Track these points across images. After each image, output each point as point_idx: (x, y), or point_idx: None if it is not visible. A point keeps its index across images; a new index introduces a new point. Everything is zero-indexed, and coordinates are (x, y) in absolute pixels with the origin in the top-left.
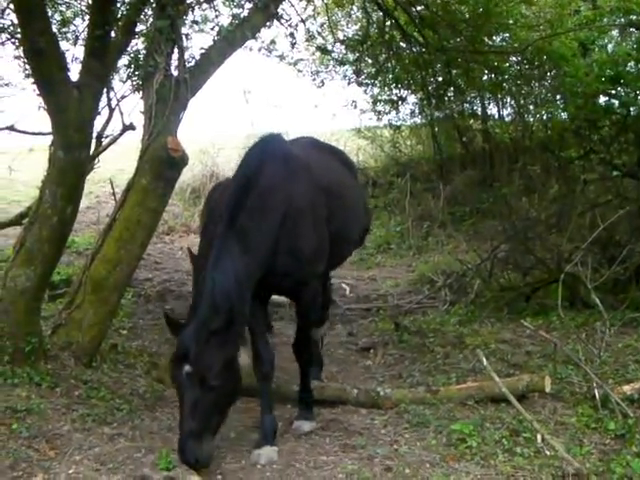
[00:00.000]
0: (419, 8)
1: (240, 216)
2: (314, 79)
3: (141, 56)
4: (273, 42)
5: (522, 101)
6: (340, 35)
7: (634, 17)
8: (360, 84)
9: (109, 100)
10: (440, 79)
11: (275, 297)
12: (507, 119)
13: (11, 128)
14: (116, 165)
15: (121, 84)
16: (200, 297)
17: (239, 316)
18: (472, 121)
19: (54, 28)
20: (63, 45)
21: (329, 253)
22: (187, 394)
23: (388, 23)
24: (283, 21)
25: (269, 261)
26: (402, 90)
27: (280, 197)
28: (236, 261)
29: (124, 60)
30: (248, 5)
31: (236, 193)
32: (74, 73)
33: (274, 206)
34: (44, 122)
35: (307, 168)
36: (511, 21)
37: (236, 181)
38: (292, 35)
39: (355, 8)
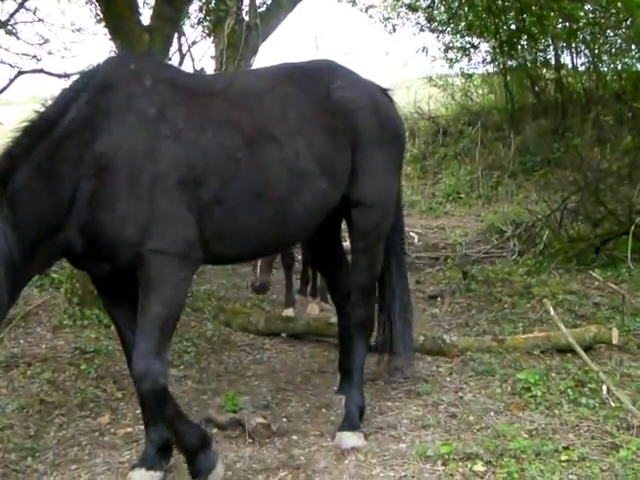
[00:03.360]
0: None
1: (20, 173)
2: (385, 25)
3: (212, 1)
4: None
5: (596, 50)
6: None
7: None
8: (432, 31)
9: (180, 45)
10: (513, 26)
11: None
12: (581, 68)
13: None
14: None
15: (192, 29)
16: None
17: None
18: (545, 70)
19: None
20: None
21: (228, 231)
22: None
23: None
24: None
25: (57, 243)
26: (474, 37)
27: (79, 142)
28: None
29: (195, 5)
30: None
31: (19, 138)
32: (145, 17)
33: (67, 156)
34: None
35: (153, 103)
36: None
37: (29, 121)
38: None
39: None
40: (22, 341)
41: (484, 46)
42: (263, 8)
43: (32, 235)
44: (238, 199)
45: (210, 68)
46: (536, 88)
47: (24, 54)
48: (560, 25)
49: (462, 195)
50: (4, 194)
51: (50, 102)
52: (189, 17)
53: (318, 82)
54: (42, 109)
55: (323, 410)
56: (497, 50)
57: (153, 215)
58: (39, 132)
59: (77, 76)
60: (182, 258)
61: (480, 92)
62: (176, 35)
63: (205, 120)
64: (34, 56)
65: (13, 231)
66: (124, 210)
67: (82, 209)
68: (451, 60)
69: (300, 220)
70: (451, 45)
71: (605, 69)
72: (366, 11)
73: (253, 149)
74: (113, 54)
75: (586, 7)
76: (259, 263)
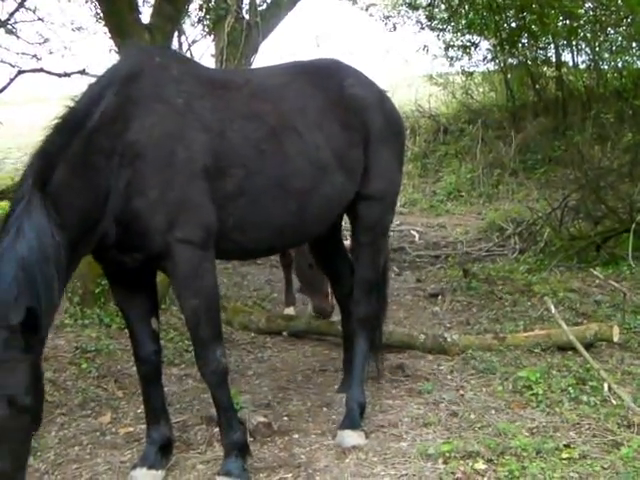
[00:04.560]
0: None
1: (57, 170)
2: (386, 24)
3: None
4: None
5: (597, 48)
6: None
7: None
8: (432, 29)
9: (180, 43)
10: (514, 24)
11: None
12: (581, 66)
13: (83, 72)
14: None
15: (192, 28)
16: None
17: (46, 312)
18: (545, 68)
19: None
20: None
21: (250, 223)
22: None
23: None
24: None
25: (95, 235)
26: (475, 36)
27: (112, 133)
28: (45, 239)
29: (195, 4)
30: None
31: (53, 135)
32: (145, 16)
33: (102, 148)
34: None
35: (180, 94)
36: None
37: (60, 118)
38: None
39: None
40: None
41: (485, 44)
42: (263, 6)
43: (76, 231)
44: (261, 191)
45: (210, 66)
46: (537, 86)
47: (24, 53)
48: (561, 23)
49: (463, 193)
50: (47, 193)
51: (78, 97)
52: (189, 15)
53: (330, 79)
54: (71, 104)
55: (324, 409)
56: (498, 48)
57: (181, 203)
58: (72, 128)
59: (77, 75)
60: (202, 248)
61: (481, 90)
62: (176, 33)
63: (231, 112)
64: (34, 55)
65: (59, 230)
66: (155, 197)
67: (117, 199)
68: (452, 58)
69: (318, 214)
70: (452, 43)
71: (606, 67)
72: (366, 10)
73: (277, 141)
74: (135, 47)
75: (586, 5)
76: (328, 290)
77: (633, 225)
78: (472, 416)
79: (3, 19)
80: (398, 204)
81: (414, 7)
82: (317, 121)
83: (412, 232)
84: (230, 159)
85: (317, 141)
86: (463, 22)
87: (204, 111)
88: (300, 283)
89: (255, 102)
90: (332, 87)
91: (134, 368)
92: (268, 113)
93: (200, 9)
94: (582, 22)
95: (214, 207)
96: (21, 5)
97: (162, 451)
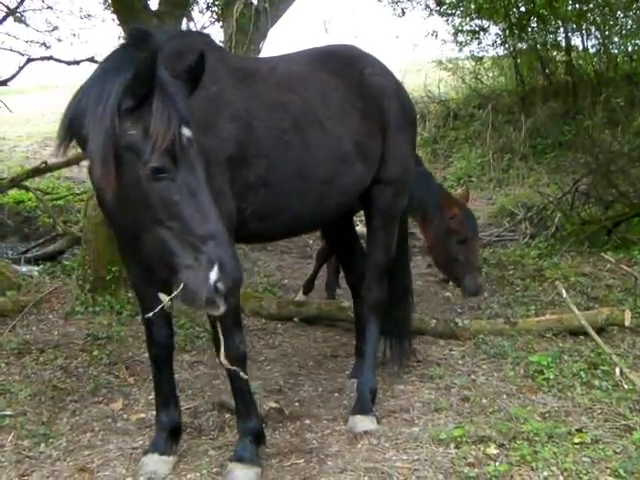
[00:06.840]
0: None
1: None
2: (394, 9)
3: None
4: None
5: (607, 32)
6: None
7: None
8: (441, 14)
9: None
10: (523, 9)
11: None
12: (591, 50)
13: (92, 60)
14: None
15: (201, 15)
16: None
17: None
18: (555, 52)
19: None
20: None
21: (269, 212)
22: (196, 175)
23: None
24: None
25: None
26: (484, 20)
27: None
28: None
29: None
30: None
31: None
32: (154, 2)
33: None
34: None
35: (215, 82)
36: None
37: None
38: None
39: None
40: (34, 328)
41: (494, 29)
42: None
43: None
44: (282, 182)
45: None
46: (546, 70)
47: (33, 41)
48: (570, 7)
49: (473, 178)
50: None
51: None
52: (197, 2)
53: (350, 67)
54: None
55: (335, 394)
56: (507, 32)
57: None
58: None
59: (86, 63)
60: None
61: (490, 75)
62: (185, 20)
63: (258, 102)
64: (43, 43)
65: None
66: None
67: None
68: (461, 43)
69: (336, 202)
70: (461, 28)
71: (616, 51)
72: None
73: (300, 132)
74: (174, 30)
75: None
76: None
77: None
78: (484, 401)
79: (12, 7)
80: None
81: None
82: (339, 111)
83: None
84: (254, 149)
85: (338, 132)
86: (472, 7)
87: (234, 100)
88: (444, 266)
89: (280, 92)
90: (352, 75)
91: (145, 355)
92: (292, 103)
93: None
94: (592, 6)
95: (234, 196)
96: None
97: (172, 436)
